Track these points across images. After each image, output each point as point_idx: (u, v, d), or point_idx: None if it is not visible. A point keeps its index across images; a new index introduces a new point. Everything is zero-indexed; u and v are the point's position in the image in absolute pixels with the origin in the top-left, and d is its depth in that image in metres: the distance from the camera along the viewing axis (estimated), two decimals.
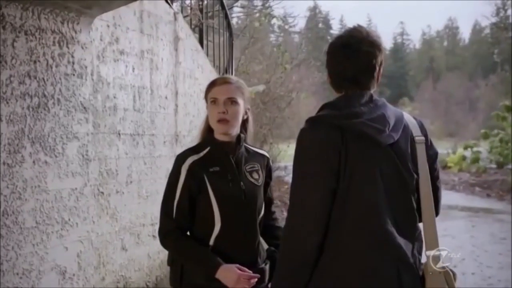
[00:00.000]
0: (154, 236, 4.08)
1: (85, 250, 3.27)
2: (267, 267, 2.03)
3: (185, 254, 1.98)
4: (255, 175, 2.07)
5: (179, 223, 1.98)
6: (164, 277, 4.23)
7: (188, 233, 2.04)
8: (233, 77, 2.12)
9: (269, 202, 2.19)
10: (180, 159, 2.02)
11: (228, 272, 1.88)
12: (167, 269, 4.33)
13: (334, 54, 1.71)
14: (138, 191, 3.88)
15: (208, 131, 2.09)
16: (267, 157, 2.20)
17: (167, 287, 4.25)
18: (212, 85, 2.07)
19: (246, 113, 2.09)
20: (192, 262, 1.97)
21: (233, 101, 2.01)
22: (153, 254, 4.06)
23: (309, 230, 1.58)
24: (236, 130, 2.04)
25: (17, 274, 2.77)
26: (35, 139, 2.89)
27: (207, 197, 1.96)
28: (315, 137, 1.62)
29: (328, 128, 1.61)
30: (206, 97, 2.08)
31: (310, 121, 1.67)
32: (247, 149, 2.11)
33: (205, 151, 2.03)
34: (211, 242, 1.97)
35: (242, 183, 2.01)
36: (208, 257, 1.93)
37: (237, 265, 1.89)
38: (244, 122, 2.10)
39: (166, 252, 4.54)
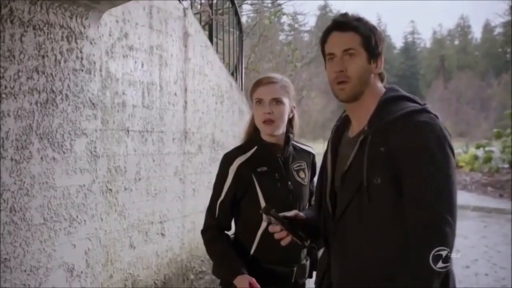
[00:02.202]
0: (162, 234, 4.05)
1: (93, 247, 3.24)
2: (308, 263, 2.11)
3: (214, 253, 2.07)
4: (302, 174, 2.12)
5: (220, 221, 2.08)
6: (172, 275, 4.20)
7: (231, 230, 2.12)
8: (277, 76, 2.13)
9: (310, 196, 2.24)
10: (227, 160, 2.07)
11: (241, 282, 1.93)
12: (176, 268, 4.31)
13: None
14: (147, 188, 3.84)
15: (254, 130, 2.12)
16: (313, 154, 2.24)
17: (175, 285, 4.23)
18: (257, 85, 2.09)
19: (291, 111, 2.11)
20: (218, 261, 2.06)
21: (278, 101, 2.03)
22: (161, 253, 4.03)
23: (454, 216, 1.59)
24: (282, 130, 2.07)
25: (25, 271, 2.75)
26: (43, 135, 2.86)
27: (255, 196, 2.01)
28: (441, 127, 1.59)
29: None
30: (251, 97, 2.11)
31: (424, 111, 1.61)
32: (294, 147, 2.14)
33: (252, 151, 2.07)
34: (257, 238, 2.03)
35: (289, 183, 2.05)
36: (232, 262, 1.99)
37: (253, 279, 1.92)
38: (291, 120, 2.12)
39: (174, 251, 4.50)
